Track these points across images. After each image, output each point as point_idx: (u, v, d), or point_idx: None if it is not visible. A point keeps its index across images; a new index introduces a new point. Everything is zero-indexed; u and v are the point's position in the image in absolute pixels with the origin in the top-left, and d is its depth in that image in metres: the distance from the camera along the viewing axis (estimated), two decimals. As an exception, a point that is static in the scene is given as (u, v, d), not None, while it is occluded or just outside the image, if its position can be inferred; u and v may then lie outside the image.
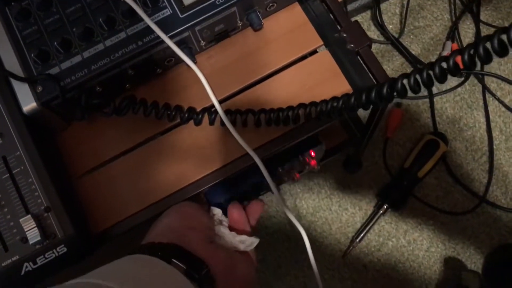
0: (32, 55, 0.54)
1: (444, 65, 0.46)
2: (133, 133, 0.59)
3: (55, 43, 0.53)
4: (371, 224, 0.93)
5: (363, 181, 0.99)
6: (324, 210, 0.98)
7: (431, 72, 0.47)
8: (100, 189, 0.58)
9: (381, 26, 1.09)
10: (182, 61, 0.58)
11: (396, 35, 1.09)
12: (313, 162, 0.73)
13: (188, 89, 0.59)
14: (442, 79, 0.46)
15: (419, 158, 0.93)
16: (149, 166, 0.58)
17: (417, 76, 0.46)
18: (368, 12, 1.13)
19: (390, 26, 1.10)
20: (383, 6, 1.12)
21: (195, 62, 0.58)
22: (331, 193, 0.98)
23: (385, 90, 0.47)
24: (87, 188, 0.58)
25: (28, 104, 0.52)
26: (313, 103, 0.52)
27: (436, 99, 1.03)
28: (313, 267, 0.63)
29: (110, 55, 0.54)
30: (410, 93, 0.48)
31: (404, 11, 1.11)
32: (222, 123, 0.55)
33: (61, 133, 0.59)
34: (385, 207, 0.93)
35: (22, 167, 0.52)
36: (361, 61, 0.58)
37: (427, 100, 1.03)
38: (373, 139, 0.96)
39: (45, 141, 0.56)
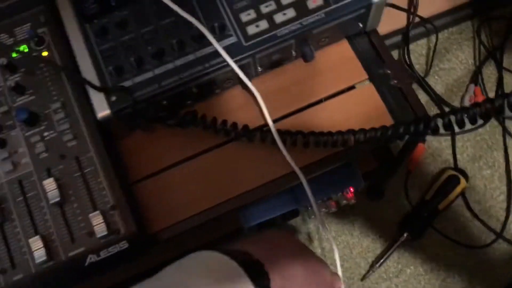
0: (108, 68, 0.60)
1: (477, 110, 0.52)
2: (189, 145, 0.64)
3: (130, 59, 0.60)
4: (391, 250, 0.98)
5: (384, 210, 1.03)
6: (346, 235, 1.02)
7: (465, 115, 0.53)
8: (156, 194, 0.63)
9: (408, 65, 1.16)
10: (238, 83, 0.65)
11: (422, 75, 1.15)
12: (350, 196, 0.79)
13: (242, 109, 0.65)
14: (473, 122, 0.52)
15: (440, 191, 0.98)
16: (202, 175, 0.63)
17: (457, 116, 0.52)
18: (396, 51, 1.19)
19: (417, 66, 1.16)
20: (411, 46, 1.19)
21: (251, 85, 0.64)
22: (354, 219, 1.03)
23: (432, 124, 0.52)
24: (143, 192, 0.63)
25: (102, 111, 0.58)
26: (362, 130, 0.58)
27: (457, 137, 1.08)
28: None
29: (179, 73, 0.60)
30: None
31: (431, 53, 1.17)
32: (273, 142, 0.61)
33: (123, 139, 0.65)
34: (405, 235, 0.97)
35: (92, 168, 0.58)
36: (403, 97, 0.64)
37: (449, 137, 1.08)
38: (394, 175, 1.01)
39: (111, 146, 0.62)
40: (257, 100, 0.63)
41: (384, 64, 0.66)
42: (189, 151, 0.64)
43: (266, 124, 0.62)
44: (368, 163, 0.86)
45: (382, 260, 0.98)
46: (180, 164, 0.64)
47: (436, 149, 1.08)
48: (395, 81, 0.64)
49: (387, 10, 0.68)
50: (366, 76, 0.66)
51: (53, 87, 0.60)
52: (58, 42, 0.61)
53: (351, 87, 0.66)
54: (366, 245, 1.01)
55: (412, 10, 1.09)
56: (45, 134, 0.59)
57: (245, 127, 0.61)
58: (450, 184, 0.99)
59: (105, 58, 0.60)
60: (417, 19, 1.09)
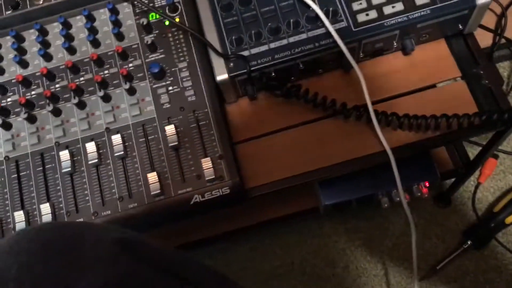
0: (230, 38, 0.68)
1: None
2: (289, 116, 0.71)
3: (250, 32, 0.68)
4: (453, 255, 1.00)
5: (450, 217, 1.06)
6: (408, 236, 1.05)
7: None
8: (253, 155, 0.70)
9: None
10: (339, 67, 0.72)
11: None
12: (425, 190, 0.83)
13: (340, 89, 0.71)
14: None
15: (510, 204, 1.00)
16: (297, 144, 0.70)
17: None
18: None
19: None
20: None
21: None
22: (418, 221, 1.06)
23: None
24: (243, 152, 0.70)
25: (221, 74, 0.66)
26: (456, 115, 0.63)
27: (531, 158, 1.10)
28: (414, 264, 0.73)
29: (291, 49, 0.67)
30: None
31: (513, 75, 1.19)
32: (368, 120, 0.67)
33: (231, 104, 0.73)
34: (469, 243, 1.00)
35: (207, 121, 0.66)
36: (492, 96, 0.68)
37: (523, 157, 1.10)
38: (465, 182, 1.04)
39: (222, 107, 0.70)
40: (356, 83, 0.69)
41: (478, 65, 0.70)
42: (288, 122, 0.71)
43: (362, 105, 0.68)
44: (445, 163, 0.90)
45: (443, 263, 1.00)
46: (278, 132, 0.71)
47: (508, 166, 1.10)
48: (487, 81, 0.69)
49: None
50: (460, 74, 0.71)
51: (181, 49, 0.69)
52: (189, 11, 0.70)
53: (445, 83, 0.71)
54: (428, 247, 1.04)
55: (499, 31, 1.12)
56: (170, 88, 0.68)
57: (343, 104, 0.68)
58: (520, 200, 1.01)
59: (228, 29, 0.69)
60: (503, 41, 1.12)
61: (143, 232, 0.61)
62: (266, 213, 0.98)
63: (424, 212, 1.07)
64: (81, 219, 0.63)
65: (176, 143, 0.64)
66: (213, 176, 0.63)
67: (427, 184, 0.82)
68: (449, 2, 0.66)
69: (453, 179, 0.98)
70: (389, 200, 0.83)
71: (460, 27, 0.70)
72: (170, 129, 0.65)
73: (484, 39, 0.80)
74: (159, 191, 0.63)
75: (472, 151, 1.09)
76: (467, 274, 1.02)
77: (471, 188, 1.08)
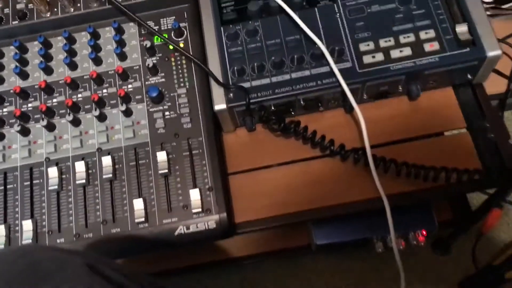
0: (232, 68, 0.67)
1: None
2: (286, 151, 0.69)
3: (253, 64, 0.66)
4: (447, 306, 0.97)
5: (447, 265, 1.03)
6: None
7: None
8: (246, 189, 0.68)
9: None
10: (342, 106, 0.70)
11: (512, 143, 1.14)
12: (421, 239, 0.81)
13: (340, 129, 0.69)
14: None
15: (511, 260, 0.97)
16: (293, 181, 0.68)
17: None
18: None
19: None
20: (505, 114, 1.18)
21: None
22: (414, 267, 1.03)
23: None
24: (236, 184, 0.69)
25: (219, 104, 0.65)
26: (455, 169, 0.60)
27: (538, 212, 1.06)
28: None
29: (292, 85, 0.66)
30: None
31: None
32: (366, 164, 0.65)
33: (226, 134, 0.71)
34: (465, 295, 0.97)
35: (200, 150, 0.65)
36: (497, 151, 0.66)
37: (529, 210, 1.07)
38: (467, 232, 1.01)
39: (218, 136, 0.69)
40: (357, 124, 0.68)
41: (484, 118, 0.68)
42: (284, 157, 0.69)
43: (361, 148, 0.66)
44: (444, 212, 0.87)
45: (436, 314, 0.97)
46: (273, 167, 0.69)
47: (512, 218, 1.07)
48: (492, 135, 0.67)
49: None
50: (465, 125, 0.68)
51: (182, 74, 0.68)
52: (194, 37, 0.70)
53: (449, 132, 0.69)
54: (423, 295, 1.01)
55: (513, 78, 1.10)
56: (167, 113, 0.67)
57: (342, 145, 0.66)
58: (522, 255, 0.97)
59: (231, 59, 0.68)
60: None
61: (124, 257, 0.59)
62: (260, 245, 0.96)
63: (421, 258, 1.04)
64: (62, 240, 0.62)
65: (166, 170, 0.63)
66: (200, 209, 0.61)
67: (424, 232, 0.80)
68: (459, 52, 0.64)
69: (453, 228, 0.95)
70: (384, 245, 0.81)
71: (469, 76, 0.68)
72: (161, 155, 0.63)
73: (497, 84, 0.78)
74: (143, 219, 0.61)
75: (477, 198, 1.06)
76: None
77: (473, 237, 1.05)
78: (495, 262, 0.99)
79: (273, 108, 0.67)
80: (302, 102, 0.67)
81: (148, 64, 0.67)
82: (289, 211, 0.67)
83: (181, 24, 0.70)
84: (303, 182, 0.68)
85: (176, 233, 0.62)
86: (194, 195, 0.62)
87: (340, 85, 0.64)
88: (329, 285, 1.04)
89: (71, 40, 0.71)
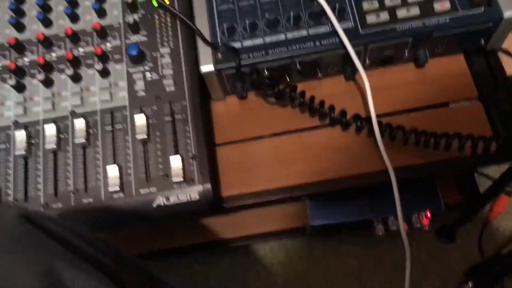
0: (221, 26, 0.60)
1: None
2: (280, 121, 0.63)
3: (244, 22, 0.60)
4: (451, 297, 0.91)
5: (452, 254, 0.97)
6: (403, 269, 0.96)
7: None
8: (236, 161, 0.62)
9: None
10: (341, 73, 0.64)
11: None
12: (425, 222, 0.75)
13: (341, 97, 0.63)
14: None
15: (520, 249, 0.91)
16: (286, 154, 0.62)
17: None
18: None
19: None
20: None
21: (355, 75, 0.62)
22: (418, 256, 0.97)
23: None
24: (224, 156, 0.62)
25: (206, 65, 0.59)
26: (470, 136, 0.54)
27: (549, 200, 1.00)
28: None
29: (288, 46, 0.59)
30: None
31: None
32: (370, 133, 0.58)
33: (216, 102, 0.65)
34: (470, 284, 0.90)
35: (184, 115, 0.58)
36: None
37: (539, 198, 1.01)
38: (474, 218, 0.95)
39: (205, 103, 0.62)
40: (359, 92, 0.62)
41: (499, 88, 0.62)
42: (279, 127, 0.63)
43: (365, 117, 0.60)
44: (451, 194, 0.81)
45: (439, 305, 0.91)
46: (266, 138, 0.63)
47: (521, 206, 1.01)
48: (507, 106, 0.60)
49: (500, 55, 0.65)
50: (476, 95, 0.62)
51: (166, 33, 0.62)
52: (181, -7, 0.63)
53: (459, 102, 0.62)
54: (425, 285, 0.95)
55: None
56: (148, 74, 0.60)
57: (343, 111, 0.60)
58: (532, 244, 0.91)
59: (221, 17, 0.61)
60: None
61: (98, 231, 0.54)
62: (250, 226, 0.90)
63: (425, 246, 0.98)
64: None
65: (145, 136, 0.57)
66: (182, 178, 0.55)
67: (428, 214, 0.74)
68: (472, 12, 0.58)
69: (459, 213, 0.89)
70: (385, 228, 0.75)
71: (482, 42, 0.62)
72: (140, 119, 0.57)
73: (509, 66, 0.72)
74: (117, 187, 0.55)
75: (485, 186, 1.00)
76: (464, 319, 0.92)
77: (479, 225, 0.99)
78: (503, 251, 0.93)
79: (266, 72, 0.61)
80: (298, 66, 0.61)
81: (129, 21, 0.61)
82: (282, 185, 0.61)
83: (167, -21, 0.64)
84: (299, 154, 0.62)
85: (154, 204, 0.56)
86: (175, 162, 0.55)
87: (342, 47, 0.58)
88: (326, 273, 0.98)
89: (46, -6, 0.65)
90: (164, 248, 0.92)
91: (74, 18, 0.63)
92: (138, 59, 0.60)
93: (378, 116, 0.61)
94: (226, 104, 0.65)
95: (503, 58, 0.65)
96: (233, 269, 1.01)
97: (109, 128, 0.58)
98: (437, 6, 0.58)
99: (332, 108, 0.60)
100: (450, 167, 0.58)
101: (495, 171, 1.02)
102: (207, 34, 0.60)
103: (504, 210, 0.99)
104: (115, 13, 0.63)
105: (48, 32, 0.63)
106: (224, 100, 0.65)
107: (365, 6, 0.60)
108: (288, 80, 0.64)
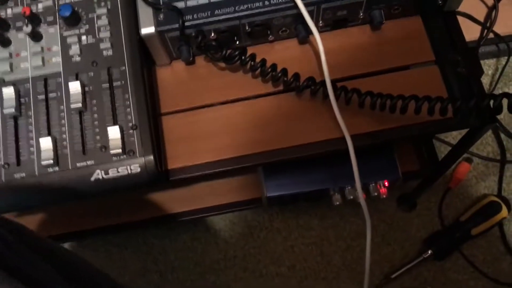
0: (163, -15, 0.56)
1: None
2: (230, 88, 0.60)
3: (188, -20, 0.56)
4: (410, 265, 0.91)
5: (412, 222, 0.97)
6: (364, 238, 0.95)
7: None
8: (182, 131, 0.59)
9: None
10: (293, 35, 0.60)
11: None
12: (383, 190, 0.73)
13: (294, 61, 0.59)
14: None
15: (478, 215, 0.91)
16: (237, 123, 0.58)
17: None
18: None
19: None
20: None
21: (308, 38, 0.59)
22: (378, 224, 0.96)
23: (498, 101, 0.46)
24: (170, 126, 0.59)
25: (147, 27, 0.55)
26: (427, 97, 0.51)
27: (507, 166, 1.00)
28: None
29: (235, 6, 0.55)
30: None
31: (497, 75, 1.09)
32: (325, 97, 0.55)
33: (161, 67, 0.61)
34: (429, 252, 0.90)
35: (123, 82, 0.54)
36: (468, 87, 0.58)
37: (498, 164, 1.01)
38: (433, 185, 0.94)
39: (147, 69, 0.58)
40: (313, 56, 0.58)
41: (456, 50, 0.60)
42: (230, 95, 0.60)
43: (320, 81, 0.56)
44: (410, 163, 0.79)
45: (398, 272, 0.91)
46: (215, 106, 0.60)
47: (481, 172, 1.00)
48: (464, 70, 0.58)
49: (460, 20, 0.63)
50: (433, 58, 0.60)
51: (102, -9, 0.57)
52: None
53: (415, 66, 0.60)
54: (385, 253, 0.95)
55: (488, 24, 1.01)
56: (83, 37, 0.55)
57: (296, 74, 0.56)
58: (490, 210, 0.91)
59: (163, -26, 0.57)
60: (491, 35, 1.02)
61: (33, 207, 0.50)
62: (209, 199, 0.87)
63: (385, 214, 0.97)
64: (-46, 187, 0.52)
65: (80, 105, 0.52)
66: (120, 150, 0.51)
67: (386, 183, 0.72)
68: (428, -33, 0.55)
69: (419, 181, 0.88)
70: (342, 197, 0.73)
71: (439, 2, 0.59)
72: (75, 86, 0.53)
73: (470, 31, 0.69)
74: (51, 161, 0.51)
75: (444, 152, 1.00)
76: (424, 286, 0.92)
77: (440, 192, 0.99)
78: (462, 218, 0.93)
79: (213, 35, 0.57)
80: (247, 28, 0.57)
81: (60, -22, 0.56)
82: (232, 156, 0.58)
83: None
84: (251, 123, 0.59)
85: (92, 178, 0.52)
86: (113, 133, 0.51)
87: (293, 7, 0.55)
88: (287, 243, 0.97)
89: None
90: (119, 223, 0.88)
91: (0, -25, 0.57)
92: (72, 21, 0.55)
93: (333, 81, 0.58)
94: (172, 69, 0.61)
95: (464, 24, 0.63)
96: (192, 242, 0.98)
97: (42, 97, 0.54)
98: (392, -37, 0.55)
99: (284, 71, 0.56)
100: (408, 133, 0.56)
101: (455, 137, 1.02)
102: (147, -7, 0.56)
103: (465, 177, 0.99)
104: (47, -30, 0.58)
105: (-29, -9, 0.57)
106: (170, 66, 0.61)
107: (317, -38, 0.56)
108: (238, 42, 0.60)
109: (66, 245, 0.97)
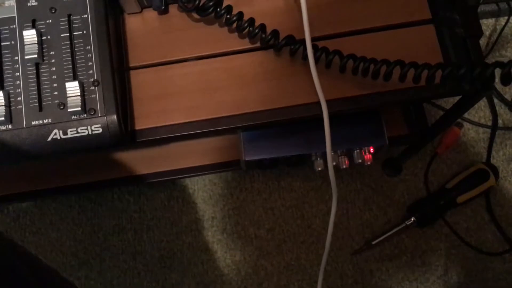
0: None
1: None
2: (205, 42, 0.54)
3: None
4: (392, 231, 0.88)
5: (397, 187, 0.94)
6: (348, 202, 0.93)
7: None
8: (151, 87, 0.54)
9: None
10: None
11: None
12: (368, 157, 0.69)
13: (275, 17, 0.54)
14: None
15: (464, 183, 0.88)
16: (210, 81, 0.54)
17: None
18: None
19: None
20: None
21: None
22: (361, 188, 0.93)
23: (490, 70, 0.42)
24: (137, 82, 0.54)
25: (112, -30, 0.49)
26: (413, 64, 0.47)
27: (498, 132, 0.97)
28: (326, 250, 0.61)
29: (212, -51, 0.49)
30: None
31: (495, 36, 1.04)
32: (305, 58, 0.51)
33: (130, 16, 0.55)
34: (412, 219, 0.88)
35: (84, 32, 0.49)
36: (465, 49, 0.53)
37: (489, 130, 0.97)
38: (420, 150, 0.91)
39: (114, 17, 0.52)
40: (297, 8, 0.53)
41: (454, 7, 0.54)
42: (205, 50, 0.55)
43: (300, 39, 0.51)
44: (397, 127, 0.75)
45: (379, 239, 0.88)
46: (188, 62, 0.55)
47: (471, 138, 0.97)
48: (462, 30, 0.53)
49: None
50: (429, 16, 0.55)
51: None
52: None
53: (409, 24, 0.55)
54: (367, 218, 0.92)
55: (489, -19, 0.96)
56: (40, -21, 0.49)
57: (275, 32, 0.51)
58: (478, 178, 0.88)
59: None
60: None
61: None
62: (187, 159, 0.82)
63: (369, 178, 0.94)
64: None
65: (36, 56, 0.47)
66: (80, 108, 0.46)
67: (371, 150, 0.68)
68: None
69: (406, 146, 0.84)
70: (324, 163, 0.69)
71: (439, -48, 0.53)
72: (30, 35, 0.47)
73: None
74: (3, 118, 0.46)
75: (435, 117, 0.96)
76: (404, 253, 0.90)
77: (427, 157, 0.95)
78: (448, 185, 0.90)
79: (186, -17, 0.51)
80: (224, -24, 0.52)
81: None
82: (203, 118, 0.53)
83: None
84: (227, 81, 0.54)
85: (49, 138, 0.47)
86: (72, 89, 0.46)
87: (273, -48, 0.49)
88: (267, 205, 0.94)
89: None
90: (93, 181, 0.84)
91: None
92: (27, -41, 0.49)
93: (316, 39, 0.53)
94: (143, 19, 0.55)
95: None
96: (169, 202, 0.95)
97: (-7, 45, 0.48)
98: None
99: (262, 27, 0.51)
100: (392, 99, 0.52)
101: (447, 100, 0.98)
102: None
103: (454, 143, 0.96)
104: None
105: None
106: (140, 14, 0.55)
107: None
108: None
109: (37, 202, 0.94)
